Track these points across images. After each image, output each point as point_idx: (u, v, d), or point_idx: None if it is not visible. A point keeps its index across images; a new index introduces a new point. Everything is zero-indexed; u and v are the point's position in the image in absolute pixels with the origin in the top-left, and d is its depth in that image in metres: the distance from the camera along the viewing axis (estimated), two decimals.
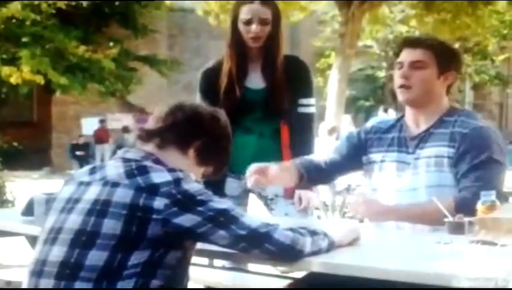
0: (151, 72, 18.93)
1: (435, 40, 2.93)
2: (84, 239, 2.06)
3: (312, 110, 3.57)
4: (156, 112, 2.30)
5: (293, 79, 3.48)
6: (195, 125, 2.27)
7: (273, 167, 2.91)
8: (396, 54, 2.88)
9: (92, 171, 2.23)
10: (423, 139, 2.80)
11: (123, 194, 2.08)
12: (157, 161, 2.19)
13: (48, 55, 15.60)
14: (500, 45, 19.78)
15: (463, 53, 19.95)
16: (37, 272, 2.10)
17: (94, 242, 2.05)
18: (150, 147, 2.23)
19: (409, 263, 2.12)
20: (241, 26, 3.44)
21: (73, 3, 16.12)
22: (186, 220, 2.05)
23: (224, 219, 2.08)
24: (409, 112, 2.89)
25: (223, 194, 3.45)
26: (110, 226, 2.05)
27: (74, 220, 2.10)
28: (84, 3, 16.62)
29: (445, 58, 2.79)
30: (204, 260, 3.07)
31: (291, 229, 2.15)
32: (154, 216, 2.04)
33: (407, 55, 2.80)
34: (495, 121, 23.43)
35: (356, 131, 3.11)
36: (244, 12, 3.43)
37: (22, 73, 14.88)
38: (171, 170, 2.14)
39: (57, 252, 2.08)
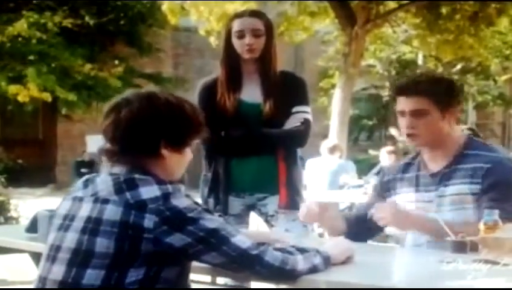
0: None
1: (429, 82, 2.84)
2: (80, 258, 2.07)
3: (307, 116, 3.52)
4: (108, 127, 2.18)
5: (289, 93, 3.48)
6: (156, 126, 2.16)
7: (329, 210, 2.90)
8: (393, 98, 2.86)
9: (86, 184, 2.21)
10: (446, 176, 2.78)
11: (113, 212, 2.07)
12: (146, 172, 2.13)
13: (54, 73, 15.64)
14: (503, 65, 19.79)
15: (466, 73, 19.99)
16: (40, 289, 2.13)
17: (90, 261, 2.05)
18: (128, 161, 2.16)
19: (412, 282, 2.13)
20: (234, 40, 3.46)
21: (79, 21, 16.20)
22: (177, 240, 2.04)
23: (214, 240, 2.06)
24: (424, 151, 2.88)
25: (227, 213, 3.47)
26: (103, 245, 2.05)
27: (71, 239, 2.11)
28: (90, 22, 16.70)
29: (444, 98, 2.78)
30: (207, 278, 3.09)
31: (280, 250, 2.15)
32: (145, 235, 2.03)
33: (406, 104, 2.78)
34: (498, 140, 23.40)
35: (379, 178, 3.11)
36: (237, 26, 3.46)
37: (28, 91, 14.91)
38: (160, 182, 2.10)
39: (56, 271, 2.10)
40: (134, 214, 2.04)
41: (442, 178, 2.79)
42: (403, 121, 2.80)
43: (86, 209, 2.13)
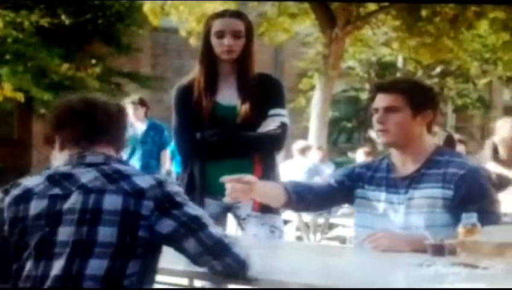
0: (134, 92, 18.89)
1: (408, 83, 2.97)
2: (81, 249, 2.06)
3: (284, 119, 3.47)
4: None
5: (266, 96, 3.43)
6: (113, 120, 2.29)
7: (259, 182, 2.91)
8: (372, 99, 2.93)
9: (55, 181, 2.17)
10: (416, 179, 2.81)
11: (113, 201, 2.09)
12: (120, 161, 2.25)
13: (30, 73, 15.54)
14: (483, 68, 19.92)
15: (445, 76, 20.12)
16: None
17: (92, 251, 2.05)
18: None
19: (391, 285, 2.10)
20: (213, 40, 3.42)
21: (56, 21, 16.09)
22: (164, 226, 2.09)
23: (195, 226, 2.12)
24: (394, 153, 2.92)
25: None
26: (106, 233, 2.06)
27: (67, 232, 2.08)
28: (67, 21, 16.60)
29: (419, 100, 2.83)
30: (184, 281, 3.05)
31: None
32: (142, 222, 2.08)
33: (380, 101, 2.85)
34: (477, 144, 23.58)
35: (352, 165, 3.15)
36: (217, 26, 3.41)
37: (2, 90, 14.79)
38: (148, 173, 2.21)
39: (57, 266, 2.06)
40: (134, 201, 2.10)
41: (412, 181, 2.82)
42: (375, 117, 2.86)
43: (75, 203, 2.11)
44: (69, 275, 2.04)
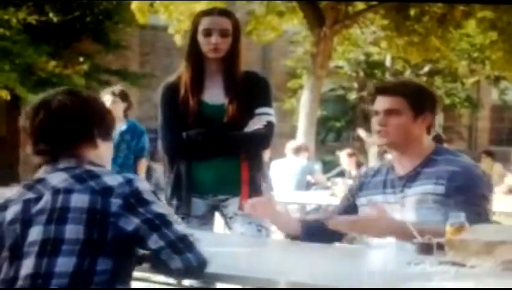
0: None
1: (408, 85, 2.96)
2: (49, 248, 2.06)
3: (271, 118, 3.46)
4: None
5: (253, 94, 3.42)
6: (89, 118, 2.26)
7: (278, 206, 3.01)
8: (371, 100, 2.93)
9: (29, 186, 2.20)
10: (411, 178, 2.84)
11: (80, 200, 2.09)
12: (94, 164, 2.21)
13: (17, 70, 15.47)
14: (470, 67, 19.99)
15: (433, 75, 20.17)
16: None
17: (60, 249, 2.05)
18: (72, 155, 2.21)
19: (379, 284, 2.09)
20: (200, 38, 3.39)
21: (44, 18, 16.01)
22: (129, 223, 2.09)
23: (158, 222, 2.12)
24: (393, 155, 2.95)
25: (190, 214, 3.41)
26: (72, 231, 2.06)
27: (36, 232, 2.09)
28: (55, 19, 16.52)
29: (419, 102, 2.84)
30: (171, 279, 3.03)
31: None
32: (111, 219, 2.08)
33: (381, 103, 2.85)
34: (464, 143, 23.66)
35: (350, 185, 3.18)
36: (204, 24, 3.39)
37: None
38: (119, 172, 2.20)
39: (26, 266, 2.07)
40: (101, 199, 2.10)
41: (408, 180, 2.85)
42: (375, 120, 2.86)
43: (45, 203, 2.12)
44: (39, 273, 2.04)
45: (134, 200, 2.12)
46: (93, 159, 2.23)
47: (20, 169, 19.49)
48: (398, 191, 2.85)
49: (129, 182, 2.14)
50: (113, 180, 2.14)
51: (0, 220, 2.18)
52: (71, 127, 2.22)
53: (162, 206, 2.20)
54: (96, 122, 2.26)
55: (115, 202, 2.09)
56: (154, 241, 2.11)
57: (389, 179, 2.91)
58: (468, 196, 2.69)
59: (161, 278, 2.42)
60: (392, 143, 2.87)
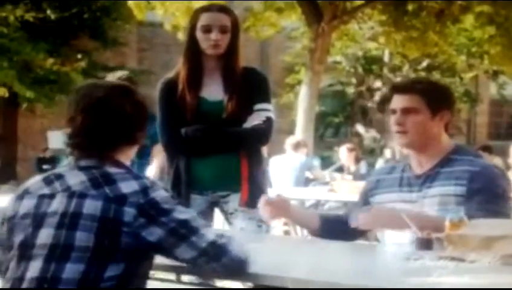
0: None
1: (424, 83, 2.95)
2: (58, 253, 2.04)
3: (270, 114, 3.46)
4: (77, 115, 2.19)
5: (251, 90, 3.42)
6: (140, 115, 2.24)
7: (292, 204, 2.96)
8: (388, 99, 2.92)
9: (48, 181, 2.18)
10: (430, 177, 2.81)
11: (92, 206, 2.06)
12: (116, 163, 2.17)
13: (15, 67, 15.44)
14: (469, 62, 19.98)
15: (431, 70, 20.16)
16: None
17: (69, 255, 2.03)
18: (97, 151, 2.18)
19: (378, 279, 2.09)
20: (199, 34, 3.39)
21: (41, 15, 15.98)
22: (152, 233, 2.05)
23: (184, 231, 2.07)
24: (411, 154, 2.92)
25: None
26: (83, 238, 2.04)
27: (46, 235, 2.08)
28: (52, 16, 16.49)
29: (436, 100, 2.83)
30: (172, 275, 3.03)
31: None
32: (125, 229, 2.04)
33: (398, 102, 2.84)
34: (463, 137, 23.66)
35: (364, 184, 3.15)
36: (204, 20, 3.39)
37: None
38: (137, 177, 2.14)
39: (33, 268, 2.05)
40: (114, 208, 2.06)
41: (426, 180, 2.82)
42: (393, 119, 2.85)
43: (59, 205, 2.11)
44: (45, 277, 2.03)
45: (154, 212, 2.06)
46: (120, 158, 2.20)
47: (18, 167, 19.49)
48: (415, 190, 2.82)
49: (144, 190, 2.09)
50: (128, 187, 2.08)
51: (15, 211, 2.17)
52: (120, 131, 2.20)
53: (184, 211, 2.12)
54: (141, 126, 2.26)
55: (129, 211, 2.05)
56: (184, 251, 2.07)
57: (405, 177, 2.89)
58: (489, 196, 2.68)
59: (160, 274, 2.41)
60: (411, 143, 2.84)
